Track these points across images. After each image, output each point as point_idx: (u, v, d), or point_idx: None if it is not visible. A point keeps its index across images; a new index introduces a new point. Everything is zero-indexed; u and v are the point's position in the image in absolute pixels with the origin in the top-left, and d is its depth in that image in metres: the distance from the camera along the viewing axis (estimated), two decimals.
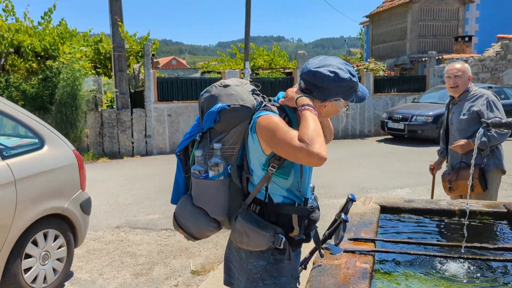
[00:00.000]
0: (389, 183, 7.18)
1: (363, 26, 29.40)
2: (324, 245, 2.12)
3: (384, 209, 2.87)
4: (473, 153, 2.36)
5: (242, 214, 1.77)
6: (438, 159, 3.72)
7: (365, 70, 14.35)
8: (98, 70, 12.12)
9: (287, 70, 15.99)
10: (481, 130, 1.87)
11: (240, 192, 1.84)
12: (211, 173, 1.78)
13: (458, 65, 3.42)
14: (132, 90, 11.29)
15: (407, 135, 11.74)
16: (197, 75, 23.56)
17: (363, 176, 7.73)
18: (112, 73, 11.10)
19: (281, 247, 1.72)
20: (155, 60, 15.23)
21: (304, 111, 1.63)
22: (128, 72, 11.20)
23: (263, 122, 1.69)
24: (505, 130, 3.16)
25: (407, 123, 11.64)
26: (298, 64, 12.86)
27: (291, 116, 1.77)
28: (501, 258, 1.89)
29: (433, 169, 3.73)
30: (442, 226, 2.66)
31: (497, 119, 1.81)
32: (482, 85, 12.34)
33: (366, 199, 3.01)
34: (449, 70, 3.44)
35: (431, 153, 10.16)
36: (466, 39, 16.75)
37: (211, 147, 1.79)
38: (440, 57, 15.50)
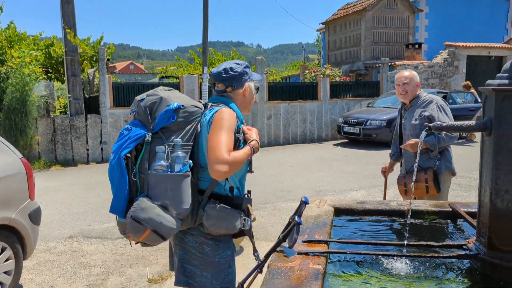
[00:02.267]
0: (345, 186, 7.36)
1: (320, 33, 30.06)
2: (278, 248, 2.15)
3: (338, 211, 2.94)
4: (417, 155, 2.47)
5: (211, 203, 1.90)
6: (390, 161, 3.86)
7: (321, 76, 14.67)
8: (50, 75, 11.67)
9: None
10: (424, 133, 1.97)
11: (196, 188, 1.93)
12: (177, 167, 1.83)
13: (406, 73, 3.58)
14: (86, 96, 10.95)
15: (362, 138, 12.10)
16: (155, 80, 23.22)
17: (320, 180, 7.88)
18: (65, 78, 10.73)
19: (248, 227, 1.97)
20: (111, 64, 14.86)
21: (249, 145, 1.96)
22: (82, 77, 10.86)
23: (219, 115, 1.92)
24: (454, 133, 3.34)
25: (362, 127, 11.99)
26: (257, 70, 12.96)
27: (238, 114, 2.05)
28: (443, 255, 1.98)
29: (385, 172, 3.86)
30: (392, 225, 2.76)
31: (439, 122, 1.91)
32: (431, 90, 12.94)
33: (321, 201, 3.07)
34: (398, 78, 3.60)
35: (385, 156, 10.49)
36: (416, 46, 17.50)
37: (171, 143, 1.86)
38: (393, 63, 16.11)
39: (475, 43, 17.21)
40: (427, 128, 1.92)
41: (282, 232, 2.14)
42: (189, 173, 1.86)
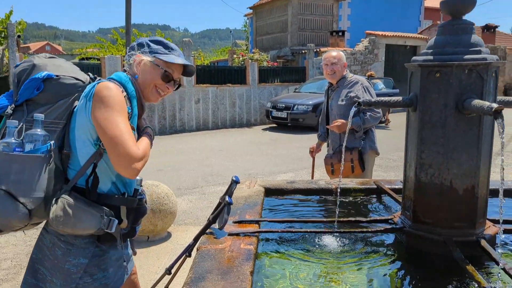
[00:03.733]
0: (274, 169, 7.43)
1: (248, 18, 30.03)
2: (208, 230, 2.06)
3: (269, 191, 2.90)
4: (346, 133, 2.50)
5: (66, 194, 1.56)
6: (317, 142, 3.91)
7: (250, 60, 14.65)
8: None
9: None
10: (353, 109, 1.96)
11: (60, 176, 1.62)
12: (28, 147, 1.53)
13: (334, 53, 3.62)
14: None
15: (290, 123, 12.32)
16: (75, 61, 21.73)
17: (249, 163, 7.89)
18: None
19: (113, 230, 1.59)
20: (24, 45, 13.62)
21: (146, 136, 1.77)
22: None
23: (104, 92, 1.58)
24: (378, 114, 3.43)
25: (289, 112, 12.20)
26: (184, 52, 12.59)
27: (131, 95, 1.70)
28: (371, 230, 2.02)
29: (313, 152, 3.91)
30: (322, 203, 2.78)
31: (368, 98, 1.91)
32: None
33: (252, 182, 3.02)
34: (326, 58, 3.62)
35: (311, 140, 10.77)
36: (340, 34, 18.13)
37: (30, 118, 1.56)
38: (318, 49, 16.53)
39: (393, 32, 18.21)
40: (357, 103, 1.91)
41: (212, 214, 2.05)
42: (46, 156, 1.53)
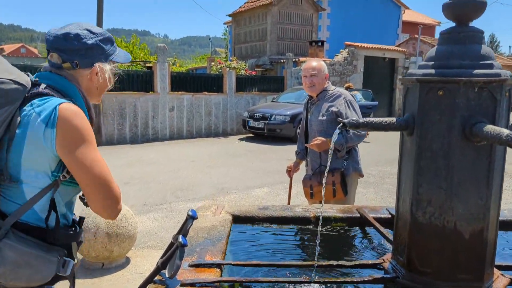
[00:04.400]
0: (249, 183, 7.05)
1: (227, 26, 29.76)
2: (158, 277, 1.67)
3: (237, 219, 2.52)
4: (329, 154, 2.15)
5: (11, 238, 1.22)
6: (295, 160, 3.55)
7: (227, 68, 14.30)
8: None
9: (148, 64, 15.10)
10: (337, 131, 1.61)
11: None
12: None
13: (314, 63, 3.26)
14: None
15: (267, 133, 11.99)
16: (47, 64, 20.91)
17: (223, 176, 7.48)
18: None
19: (68, 273, 1.35)
20: None
21: None
22: None
23: (76, 120, 1.29)
24: (362, 132, 3.09)
25: (266, 122, 11.87)
26: (159, 58, 12.15)
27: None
28: (357, 280, 1.65)
29: (290, 171, 3.53)
30: (298, 236, 2.42)
31: (354, 118, 1.56)
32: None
33: (218, 208, 2.63)
34: (305, 69, 3.27)
35: (288, 151, 10.47)
36: (319, 44, 18.00)
37: None
38: (297, 59, 16.32)
39: (372, 44, 18.19)
40: (341, 124, 1.56)
41: (161, 257, 1.66)
42: None
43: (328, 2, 23.45)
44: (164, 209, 5.47)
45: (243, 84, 14.16)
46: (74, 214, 1.52)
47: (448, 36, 1.55)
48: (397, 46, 23.25)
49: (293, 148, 3.77)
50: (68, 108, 1.30)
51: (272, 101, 13.65)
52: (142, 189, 6.44)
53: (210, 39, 51.26)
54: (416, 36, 24.07)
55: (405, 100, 1.64)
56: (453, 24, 1.58)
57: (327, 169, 1.87)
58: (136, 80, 11.81)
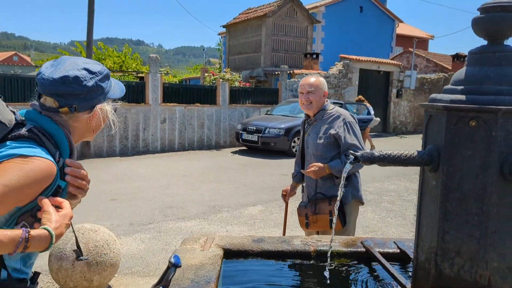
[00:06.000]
0: (242, 200, 6.77)
1: (222, 37, 29.66)
2: None
3: (229, 254, 2.26)
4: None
5: None
6: (292, 183, 3.28)
7: (221, 80, 14.09)
8: None
9: (140, 75, 14.85)
10: (348, 166, 1.36)
11: None
12: None
13: (312, 79, 2.99)
14: None
15: (261, 147, 11.74)
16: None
17: (215, 193, 7.20)
18: None
19: None
20: None
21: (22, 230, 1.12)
22: None
23: (27, 165, 1.12)
24: None
25: (260, 135, 11.63)
26: (151, 69, 11.90)
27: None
28: None
29: (286, 196, 3.26)
30: (298, 274, 2.16)
31: (369, 152, 1.31)
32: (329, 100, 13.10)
33: (207, 240, 2.36)
34: (302, 84, 3.00)
35: (283, 165, 10.22)
36: (314, 56, 17.87)
37: None
38: (292, 71, 16.16)
39: (366, 57, 18.11)
40: (354, 158, 1.32)
41: None
42: None
43: (322, 15, 23.45)
44: (152, 229, 5.16)
45: (236, 96, 13.93)
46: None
47: (480, 57, 1.31)
48: (391, 59, 23.25)
49: (288, 162, 3.52)
50: (31, 160, 1.12)
51: (266, 114, 13.42)
52: (129, 207, 6.13)
53: (204, 49, 51.19)
54: (410, 49, 24.10)
55: (427, 129, 1.40)
56: (484, 43, 1.35)
57: (337, 206, 1.62)
58: (128, 91, 11.52)
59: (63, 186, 1.22)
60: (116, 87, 1.43)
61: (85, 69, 1.30)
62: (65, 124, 1.29)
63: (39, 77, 1.27)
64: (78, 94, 1.27)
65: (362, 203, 3.03)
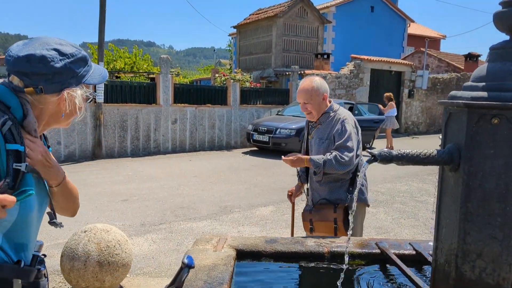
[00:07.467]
0: (253, 200, 6.75)
1: (232, 38, 29.71)
2: None
3: (241, 254, 2.24)
4: (355, 192, 1.83)
5: None
6: (297, 183, 3.24)
7: (232, 80, 14.09)
8: None
9: (151, 75, 14.92)
10: (366, 164, 1.33)
11: None
12: None
13: (307, 86, 2.83)
14: None
15: (272, 147, 11.70)
16: None
17: (226, 193, 7.18)
18: None
19: None
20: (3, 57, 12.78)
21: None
22: None
23: None
24: (345, 159, 2.64)
25: (271, 135, 11.59)
26: (162, 69, 11.94)
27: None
28: None
29: (292, 196, 3.20)
30: (312, 276, 2.12)
31: (386, 150, 1.27)
32: (338, 100, 13.01)
33: (219, 241, 2.34)
34: (298, 93, 2.88)
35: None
36: (325, 56, 17.77)
37: None
38: (302, 72, 16.09)
39: (378, 57, 17.97)
40: (372, 158, 1.28)
41: None
42: None
43: (333, 15, 23.33)
44: (163, 229, 5.16)
45: (247, 96, 13.92)
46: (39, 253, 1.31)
47: (502, 52, 1.27)
48: (402, 59, 23.04)
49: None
50: None
51: (277, 114, 13.39)
52: (140, 207, 6.15)
53: (214, 50, 51.35)
54: (421, 49, 23.86)
55: (447, 127, 1.36)
56: (506, 38, 1.30)
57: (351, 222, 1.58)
58: (139, 92, 11.60)
59: (22, 150, 1.14)
60: (96, 73, 1.35)
61: (55, 50, 1.23)
62: (32, 105, 1.22)
63: (7, 53, 1.21)
64: (45, 75, 1.20)
65: (368, 205, 2.98)
